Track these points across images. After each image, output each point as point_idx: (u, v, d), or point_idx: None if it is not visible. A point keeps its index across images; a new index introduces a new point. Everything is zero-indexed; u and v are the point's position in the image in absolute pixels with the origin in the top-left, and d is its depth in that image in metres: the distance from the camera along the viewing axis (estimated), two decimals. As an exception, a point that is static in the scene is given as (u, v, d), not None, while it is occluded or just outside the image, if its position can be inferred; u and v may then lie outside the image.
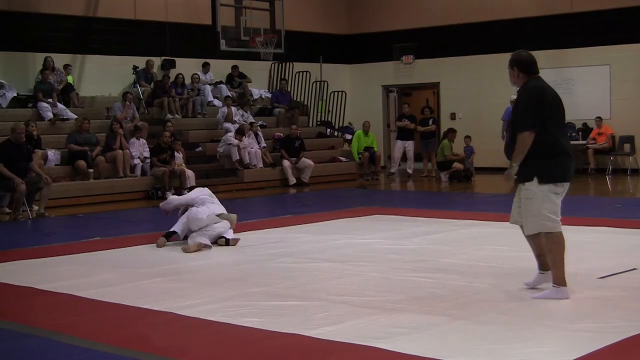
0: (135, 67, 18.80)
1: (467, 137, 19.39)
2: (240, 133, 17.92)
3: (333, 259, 8.26)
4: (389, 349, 4.97)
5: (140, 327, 5.74)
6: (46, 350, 5.27)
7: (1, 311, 6.40)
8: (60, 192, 14.58)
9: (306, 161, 18.69)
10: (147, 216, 13.69)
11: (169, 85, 19.08)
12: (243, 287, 6.98)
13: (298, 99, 22.09)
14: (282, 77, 21.96)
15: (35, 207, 13.20)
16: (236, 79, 21.08)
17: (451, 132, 19.32)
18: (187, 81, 19.78)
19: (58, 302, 6.64)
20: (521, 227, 6.44)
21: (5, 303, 6.72)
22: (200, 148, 18.58)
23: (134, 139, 16.61)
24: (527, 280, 6.59)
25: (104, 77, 18.89)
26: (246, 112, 20.00)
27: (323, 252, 8.73)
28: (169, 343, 5.32)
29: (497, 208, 11.85)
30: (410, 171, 20.38)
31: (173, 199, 9.96)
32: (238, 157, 17.76)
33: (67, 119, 16.92)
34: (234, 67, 21.04)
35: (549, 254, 6.22)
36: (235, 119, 19.25)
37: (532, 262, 6.69)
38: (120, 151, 16.01)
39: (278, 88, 21.75)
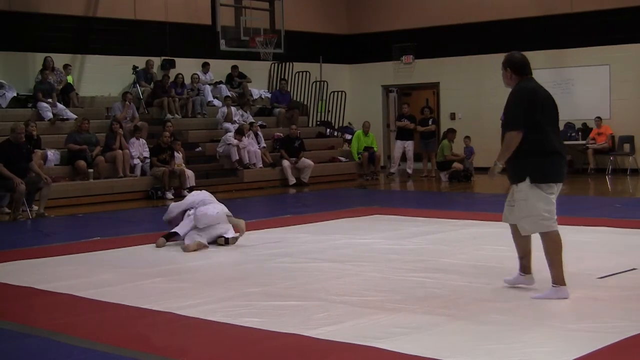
0: (135, 67, 18.80)
1: (467, 137, 19.39)
2: (239, 133, 17.92)
3: (333, 259, 8.26)
4: (388, 349, 4.97)
5: (140, 327, 5.74)
6: (46, 350, 5.27)
7: (1, 311, 6.40)
8: (60, 192, 14.58)
9: (306, 161, 18.70)
10: (146, 216, 13.69)
11: (168, 85, 19.08)
12: (243, 287, 6.98)
13: (298, 99, 22.09)
14: (282, 77, 21.96)
15: (35, 207, 13.20)
16: (236, 79, 21.08)
17: (451, 132, 19.32)
18: (187, 81, 19.78)
19: (58, 302, 6.63)
20: (511, 226, 6.46)
21: (5, 303, 6.72)
22: (200, 148, 18.58)
23: (133, 139, 16.61)
24: (507, 277, 6.65)
25: (103, 77, 18.89)
26: (246, 112, 20.00)
27: (323, 252, 8.73)
28: (168, 343, 5.32)
29: (497, 208, 11.78)
30: (410, 171, 20.38)
31: (173, 207, 9.88)
32: (238, 157, 17.76)
33: (67, 119, 16.92)
34: (234, 67, 21.04)
35: (546, 254, 6.23)
36: (235, 119, 19.25)
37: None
38: (120, 151, 16.01)
39: (278, 88, 21.75)
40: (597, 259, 7.92)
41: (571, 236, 9.13)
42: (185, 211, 9.60)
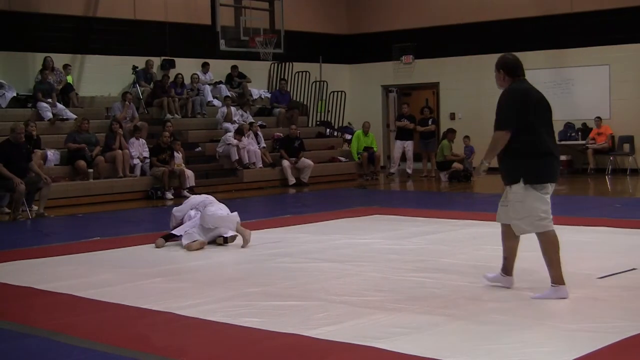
0: (134, 67, 18.80)
1: (466, 137, 19.38)
2: (239, 133, 17.92)
3: (333, 259, 8.26)
4: (388, 349, 4.97)
5: (140, 327, 5.74)
6: (45, 350, 5.26)
7: (1, 311, 6.40)
8: (60, 192, 14.58)
9: (306, 161, 18.70)
10: (146, 216, 13.70)
11: (168, 85, 19.08)
12: (242, 287, 6.98)
13: (297, 99, 22.09)
14: (282, 77, 21.96)
15: (35, 207, 13.20)
16: (236, 79, 21.08)
17: (451, 133, 19.32)
18: (187, 81, 19.79)
19: (57, 302, 6.63)
20: (502, 226, 6.49)
21: (5, 303, 6.72)
22: (199, 148, 18.58)
23: (133, 139, 16.61)
24: (488, 274, 6.70)
25: (103, 77, 18.89)
26: (246, 112, 20.00)
27: (323, 252, 8.73)
28: (168, 343, 5.31)
29: (497, 208, 11.83)
30: (409, 171, 20.38)
31: (175, 212, 9.82)
32: (237, 157, 17.76)
33: (67, 119, 16.92)
34: (234, 67, 21.04)
35: (544, 254, 6.24)
36: (235, 119, 19.24)
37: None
38: (120, 151, 16.00)
39: (277, 88, 21.76)
40: (597, 259, 7.92)
41: (571, 236, 9.15)
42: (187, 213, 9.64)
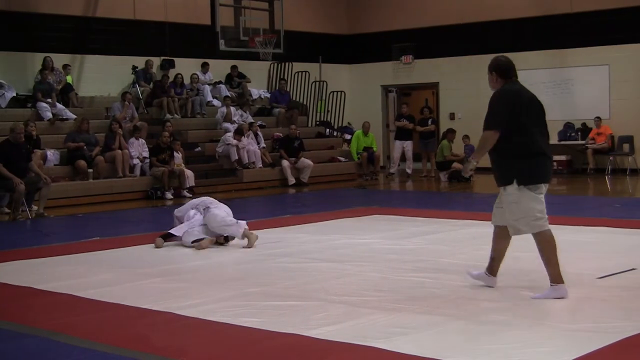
0: (134, 67, 18.79)
1: (466, 136, 19.38)
2: (238, 133, 17.91)
3: (332, 259, 8.26)
4: (388, 349, 4.97)
5: (140, 327, 5.73)
6: (45, 350, 5.26)
7: (0, 311, 6.40)
8: (60, 192, 14.57)
9: (305, 161, 18.70)
10: (146, 216, 13.70)
11: (168, 85, 19.08)
12: (242, 287, 6.98)
13: (297, 99, 22.09)
14: (282, 77, 21.96)
15: (35, 207, 13.20)
16: (235, 79, 21.08)
17: (450, 133, 19.33)
18: (187, 81, 19.78)
19: (57, 302, 6.63)
20: (495, 227, 6.52)
21: (4, 303, 6.72)
22: (199, 148, 18.57)
23: (133, 139, 16.61)
24: (472, 271, 6.75)
25: (103, 77, 18.89)
26: (245, 112, 20.00)
27: (322, 252, 8.73)
28: (168, 343, 5.31)
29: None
30: (409, 171, 20.38)
31: (177, 214, 9.85)
32: (237, 157, 17.76)
33: (67, 119, 16.91)
34: (233, 67, 21.04)
35: (541, 254, 6.26)
36: (235, 119, 19.24)
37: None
38: (120, 151, 16.00)
39: (277, 88, 21.76)
40: (597, 259, 7.91)
41: (571, 236, 9.16)
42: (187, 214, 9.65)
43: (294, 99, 21.94)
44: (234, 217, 9.56)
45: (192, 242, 9.19)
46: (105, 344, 5.29)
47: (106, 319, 6.03)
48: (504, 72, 6.41)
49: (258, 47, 19.36)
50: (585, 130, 19.88)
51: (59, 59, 17.83)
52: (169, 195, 15.84)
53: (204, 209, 9.52)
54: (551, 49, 20.25)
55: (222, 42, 19.08)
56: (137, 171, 16.40)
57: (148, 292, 6.85)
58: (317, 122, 22.27)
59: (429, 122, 20.45)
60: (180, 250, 9.13)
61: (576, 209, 12.50)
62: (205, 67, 20.63)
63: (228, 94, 20.28)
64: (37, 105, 16.84)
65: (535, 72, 20.23)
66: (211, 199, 9.82)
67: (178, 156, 16.61)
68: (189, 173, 16.31)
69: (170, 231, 9.45)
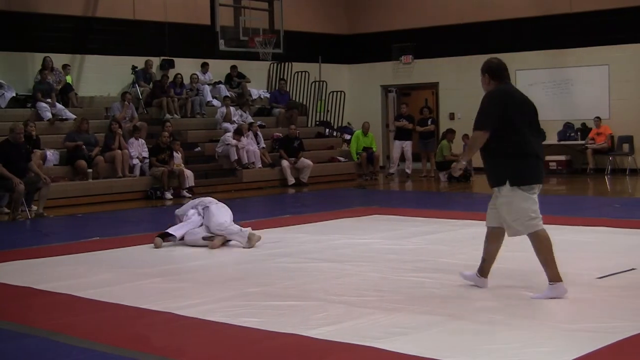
0: (134, 67, 18.79)
1: (465, 136, 19.34)
2: (238, 133, 17.91)
3: (332, 259, 8.25)
4: (387, 349, 4.96)
5: (139, 327, 5.73)
6: (44, 350, 5.26)
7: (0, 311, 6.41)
8: (59, 192, 14.57)
9: (305, 161, 18.69)
10: (145, 216, 13.70)
11: (167, 85, 19.07)
12: (242, 287, 6.97)
13: (297, 99, 22.08)
14: (281, 77, 21.96)
15: (34, 207, 13.19)
16: (235, 79, 21.08)
17: (450, 133, 19.32)
18: (186, 81, 19.78)
19: (56, 302, 6.63)
20: (488, 228, 6.55)
21: (4, 303, 6.71)
22: (199, 148, 18.57)
23: (132, 139, 16.61)
24: (464, 272, 6.78)
25: (102, 77, 18.89)
26: (245, 112, 20.00)
27: (322, 252, 8.72)
28: (167, 343, 5.31)
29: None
30: (408, 171, 20.37)
31: (178, 213, 9.87)
32: (236, 157, 17.75)
33: (66, 119, 16.91)
34: (233, 67, 21.03)
35: (538, 254, 6.27)
36: (234, 119, 19.24)
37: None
38: (119, 151, 16.00)
39: (277, 88, 21.76)
40: (597, 259, 7.91)
41: (571, 236, 9.16)
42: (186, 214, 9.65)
43: (293, 99, 21.93)
44: (235, 217, 9.57)
45: (203, 238, 9.19)
46: (105, 344, 5.28)
47: (105, 319, 6.03)
48: (496, 74, 6.45)
49: (258, 47, 19.35)
50: (585, 130, 19.88)
51: (58, 59, 17.82)
52: (168, 195, 15.83)
53: (202, 209, 9.52)
54: (551, 49, 20.25)
55: (221, 42, 19.08)
56: (137, 171, 16.39)
57: (147, 292, 6.85)
58: (317, 122, 22.27)
59: (429, 122, 20.44)
60: (180, 250, 9.13)
61: (576, 209, 12.50)
62: (204, 67, 20.62)
63: (228, 94, 20.27)
64: (36, 105, 16.84)
65: (535, 72, 20.25)
66: (210, 198, 9.82)
67: (178, 156, 16.60)
68: (188, 173, 16.30)
69: (167, 230, 9.44)
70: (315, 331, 5.38)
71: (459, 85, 21.66)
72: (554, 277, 6.18)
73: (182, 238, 9.39)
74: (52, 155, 15.65)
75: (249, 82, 21.31)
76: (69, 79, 18.03)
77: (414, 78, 22.94)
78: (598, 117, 19.48)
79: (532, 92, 20.08)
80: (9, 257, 8.98)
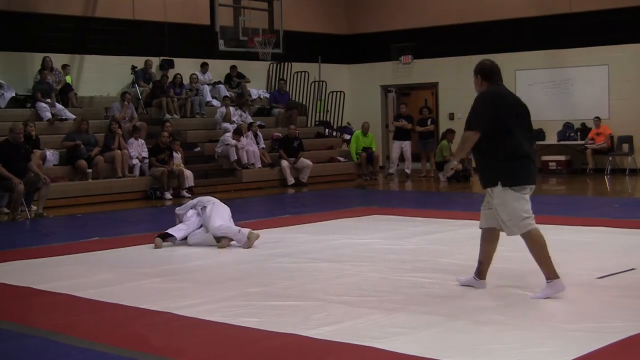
0: (133, 67, 18.79)
1: (465, 136, 19.35)
2: (237, 133, 17.91)
3: (331, 259, 8.25)
4: (387, 349, 4.96)
5: (138, 327, 5.73)
6: (44, 350, 5.25)
7: (-1, 311, 6.40)
8: (59, 192, 14.56)
9: (305, 161, 18.69)
10: (145, 216, 13.70)
11: (167, 86, 19.07)
12: (241, 287, 6.97)
13: (296, 99, 22.08)
14: (281, 77, 21.96)
15: (34, 207, 13.19)
16: (235, 79, 21.08)
17: (450, 133, 19.32)
18: (186, 81, 19.78)
19: (56, 302, 6.62)
20: (482, 230, 6.57)
21: (4, 303, 6.71)
22: (198, 148, 18.57)
23: (132, 139, 16.61)
24: (460, 277, 6.79)
25: (102, 77, 18.89)
26: (245, 112, 20.00)
27: (321, 252, 8.72)
28: (166, 343, 5.31)
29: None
30: (408, 171, 20.36)
31: (178, 210, 9.89)
32: (236, 157, 17.75)
33: (66, 119, 16.91)
34: (233, 67, 21.03)
35: (532, 253, 6.30)
36: (234, 119, 19.24)
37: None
38: (119, 151, 16.00)
39: (276, 88, 21.76)
40: (597, 259, 7.91)
41: (571, 236, 9.16)
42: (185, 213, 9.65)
43: (293, 99, 21.93)
44: (235, 217, 9.58)
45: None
46: (104, 344, 5.28)
47: (105, 319, 6.03)
48: (488, 75, 6.49)
49: (257, 47, 19.33)
50: (584, 130, 19.88)
51: (58, 59, 17.82)
52: (168, 195, 15.83)
53: (201, 209, 9.52)
54: (550, 49, 20.24)
55: (221, 42, 19.05)
56: (137, 171, 16.39)
57: (147, 292, 6.85)
58: (317, 122, 22.27)
59: (428, 122, 20.44)
60: (180, 250, 9.13)
61: (575, 209, 12.50)
62: (204, 67, 20.62)
63: (227, 94, 20.27)
64: (36, 106, 16.84)
65: (535, 72, 20.25)
66: (209, 197, 9.79)
67: (177, 156, 16.60)
68: (188, 173, 16.30)
69: (168, 231, 9.44)
70: (314, 331, 5.38)
71: (458, 85, 21.62)
72: (551, 274, 6.19)
73: (182, 239, 9.38)
74: (51, 155, 15.65)
75: (249, 82, 21.31)
76: (68, 79, 18.03)
77: (413, 78, 22.94)
78: (598, 117, 19.48)
79: (532, 92, 20.16)
80: (8, 257, 8.98)
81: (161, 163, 16.17)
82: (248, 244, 9.10)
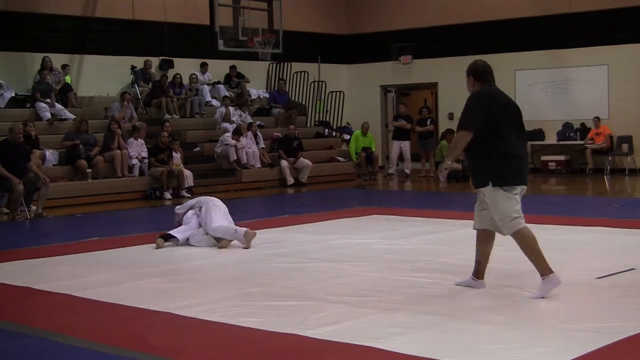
0: (133, 67, 18.78)
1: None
2: (237, 133, 17.91)
3: (331, 259, 8.25)
4: (386, 349, 4.96)
5: (138, 327, 5.72)
6: (43, 350, 5.25)
7: (-2, 311, 6.40)
8: (59, 192, 14.56)
9: (304, 161, 18.69)
10: (145, 216, 13.69)
11: (167, 86, 19.07)
12: (241, 287, 6.97)
13: (296, 99, 22.08)
14: (280, 77, 21.96)
15: (34, 207, 13.19)
16: (234, 79, 21.07)
17: (449, 133, 19.28)
18: (185, 81, 19.78)
19: (56, 302, 6.62)
20: (477, 231, 6.61)
21: (3, 303, 6.71)
22: (198, 148, 18.57)
23: (132, 139, 16.60)
24: (458, 280, 6.81)
25: (102, 77, 18.88)
26: (244, 112, 19.99)
27: (321, 252, 8.72)
28: (166, 343, 5.30)
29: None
30: (407, 171, 20.36)
31: (177, 209, 9.89)
32: (235, 157, 17.75)
33: (65, 119, 16.90)
34: (232, 67, 21.03)
35: (524, 251, 6.32)
36: (233, 119, 19.24)
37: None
38: (119, 151, 15.99)
39: (276, 88, 21.76)
40: (596, 259, 7.91)
41: (570, 236, 9.16)
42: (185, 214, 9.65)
43: (292, 99, 21.93)
44: (234, 217, 9.58)
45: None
46: (104, 344, 5.28)
47: (104, 319, 6.02)
48: (481, 76, 6.51)
49: (257, 47, 19.33)
50: (584, 130, 19.88)
51: (57, 59, 17.82)
52: (167, 195, 15.83)
53: (199, 210, 9.52)
54: (550, 49, 20.24)
55: (221, 42, 19.05)
56: (136, 171, 16.39)
57: (147, 292, 6.84)
58: (316, 122, 22.27)
59: (428, 122, 20.44)
60: (179, 250, 9.12)
61: (575, 209, 12.49)
62: (204, 67, 20.62)
63: (227, 94, 20.27)
64: (36, 106, 16.83)
65: (535, 72, 20.25)
66: (208, 197, 9.78)
67: (177, 156, 16.60)
68: (187, 173, 16.30)
69: (170, 232, 9.44)
70: (314, 331, 5.38)
71: (458, 85, 21.26)
72: (545, 270, 6.21)
73: (185, 240, 9.38)
74: (51, 155, 15.64)
75: (248, 82, 21.31)
76: (68, 79, 18.03)
77: (413, 78, 22.94)
78: (597, 117, 19.48)
79: (532, 92, 20.18)
80: (8, 257, 8.98)
81: (161, 163, 16.17)
82: (246, 244, 9.10)
